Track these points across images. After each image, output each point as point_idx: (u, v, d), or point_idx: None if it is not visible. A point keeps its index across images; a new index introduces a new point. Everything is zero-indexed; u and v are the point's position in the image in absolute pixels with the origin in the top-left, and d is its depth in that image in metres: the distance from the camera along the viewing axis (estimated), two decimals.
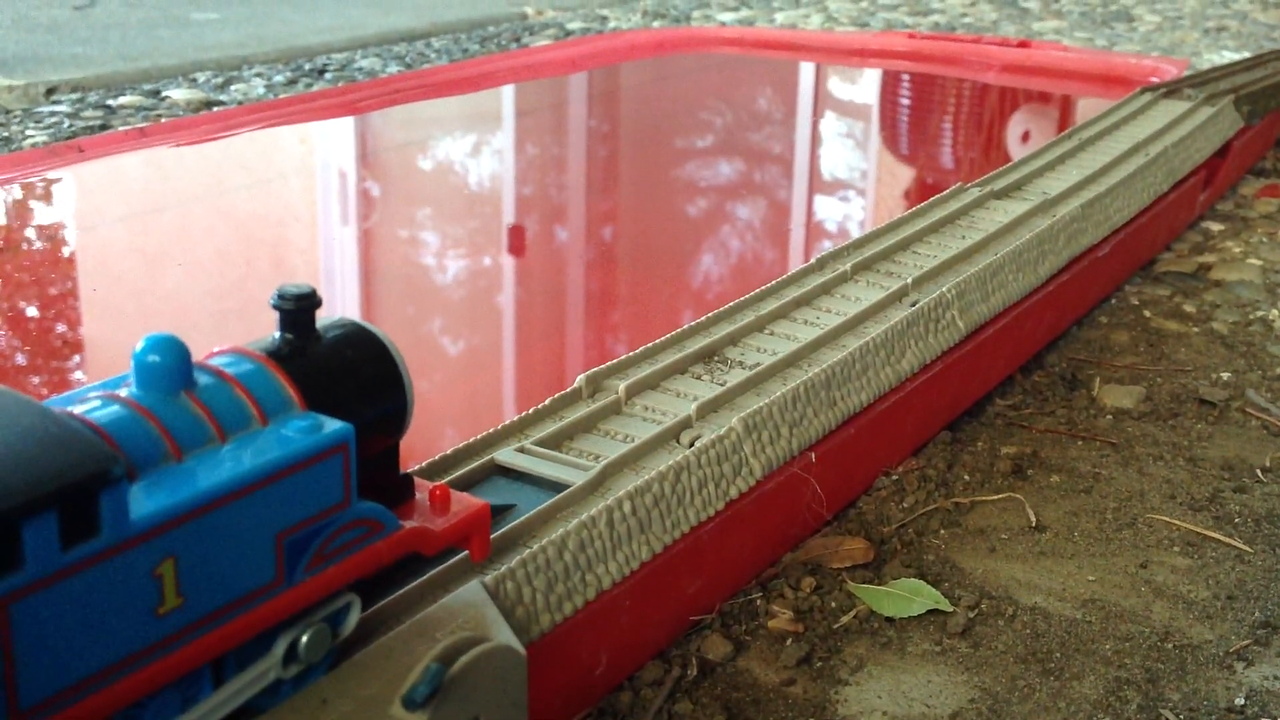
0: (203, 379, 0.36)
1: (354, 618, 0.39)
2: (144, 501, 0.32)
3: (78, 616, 0.31)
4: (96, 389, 0.36)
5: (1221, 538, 0.65)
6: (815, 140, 1.44)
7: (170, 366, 0.35)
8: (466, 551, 0.44)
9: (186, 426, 0.35)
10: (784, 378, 0.63)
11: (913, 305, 0.72)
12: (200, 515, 0.33)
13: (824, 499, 0.63)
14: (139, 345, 0.35)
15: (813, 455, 0.61)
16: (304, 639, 0.37)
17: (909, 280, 0.74)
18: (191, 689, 0.35)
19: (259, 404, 0.37)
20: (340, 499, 0.37)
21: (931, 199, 0.90)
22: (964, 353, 0.74)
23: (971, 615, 0.58)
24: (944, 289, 0.74)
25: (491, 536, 0.47)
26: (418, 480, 0.43)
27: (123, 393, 0.35)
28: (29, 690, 0.30)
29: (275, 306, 0.39)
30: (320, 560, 0.37)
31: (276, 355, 0.38)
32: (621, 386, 0.60)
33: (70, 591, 0.31)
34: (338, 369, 0.40)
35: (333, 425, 0.37)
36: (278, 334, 0.39)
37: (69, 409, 0.34)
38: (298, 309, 0.39)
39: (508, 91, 1.63)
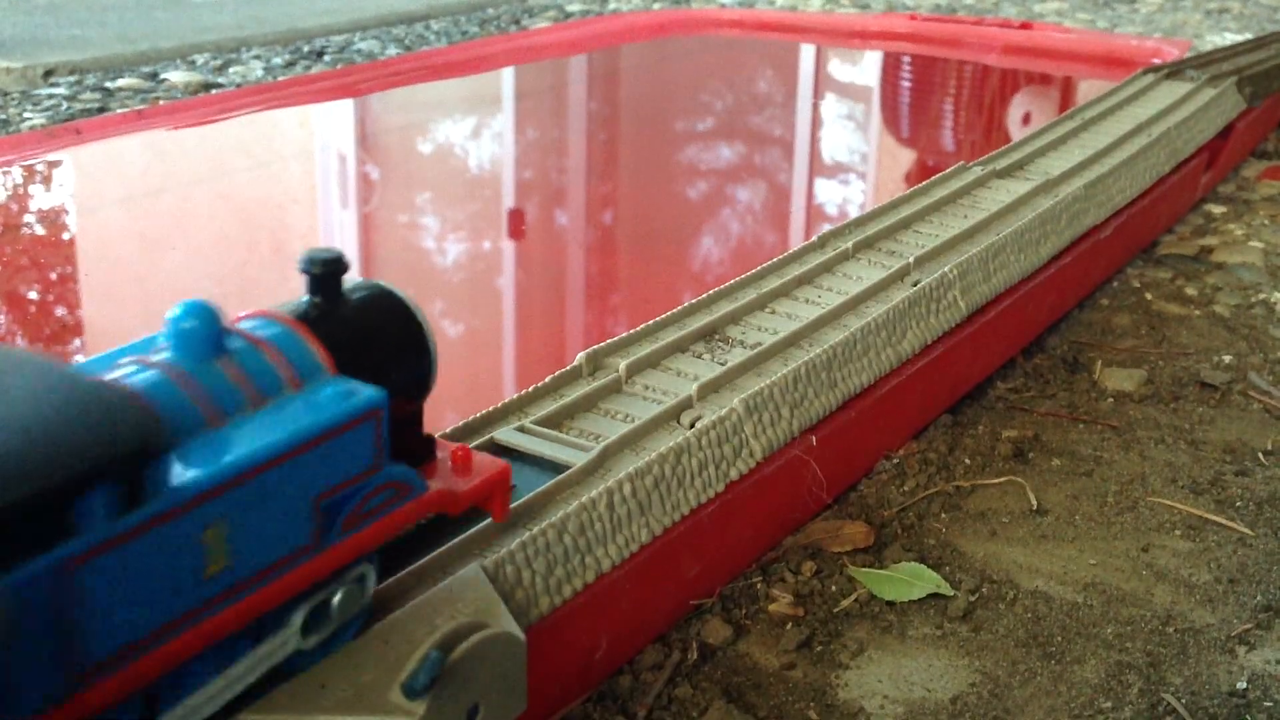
0: (235, 343, 0.36)
1: (371, 584, 0.40)
2: (188, 469, 0.33)
3: (131, 581, 0.32)
4: (129, 354, 0.36)
5: (1223, 521, 0.65)
6: (816, 123, 1.43)
7: (205, 332, 0.35)
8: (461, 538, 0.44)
9: (223, 392, 0.35)
10: (785, 358, 0.63)
11: (914, 285, 0.72)
12: (242, 482, 0.34)
13: (824, 482, 0.62)
14: (173, 310, 0.35)
15: (813, 438, 0.61)
16: (335, 599, 0.38)
17: (911, 259, 0.74)
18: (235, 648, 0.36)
19: (292, 368, 0.37)
20: (373, 463, 0.38)
21: (934, 178, 0.89)
22: (965, 335, 0.74)
23: (972, 599, 0.58)
24: (946, 269, 0.73)
25: (490, 520, 0.47)
26: (439, 441, 0.43)
27: (157, 358, 0.35)
28: (88, 650, 0.31)
29: (303, 271, 0.39)
30: (354, 522, 0.38)
31: (306, 319, 0.39)
32: (622, 365, 0.60)
33: (123, 557, 0.31)
34: (365, 333, 0.40)
35: (366, 391, 0.37)
36: (305, 298, 0.39)
37: (106, 375, 0.34)
38: (325, 273, 0.39)
39: (507, 74, 1.63)
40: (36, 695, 0.30)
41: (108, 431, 0.30)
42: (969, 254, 0.76)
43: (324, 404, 0.36)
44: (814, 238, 0.77)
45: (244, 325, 0.38)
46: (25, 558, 0.29)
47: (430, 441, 0.42)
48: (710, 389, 0.59)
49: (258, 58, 1.82)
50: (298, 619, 0.37)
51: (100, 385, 0.32)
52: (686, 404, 0.58)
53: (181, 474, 0.32)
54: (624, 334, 0.63)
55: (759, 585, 0.58)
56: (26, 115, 1.45)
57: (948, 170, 0.91)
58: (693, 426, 0.56)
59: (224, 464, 0.33)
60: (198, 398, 0.34)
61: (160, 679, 0.34)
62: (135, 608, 0.32)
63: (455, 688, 0.39)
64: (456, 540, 0.46)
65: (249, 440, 0.34)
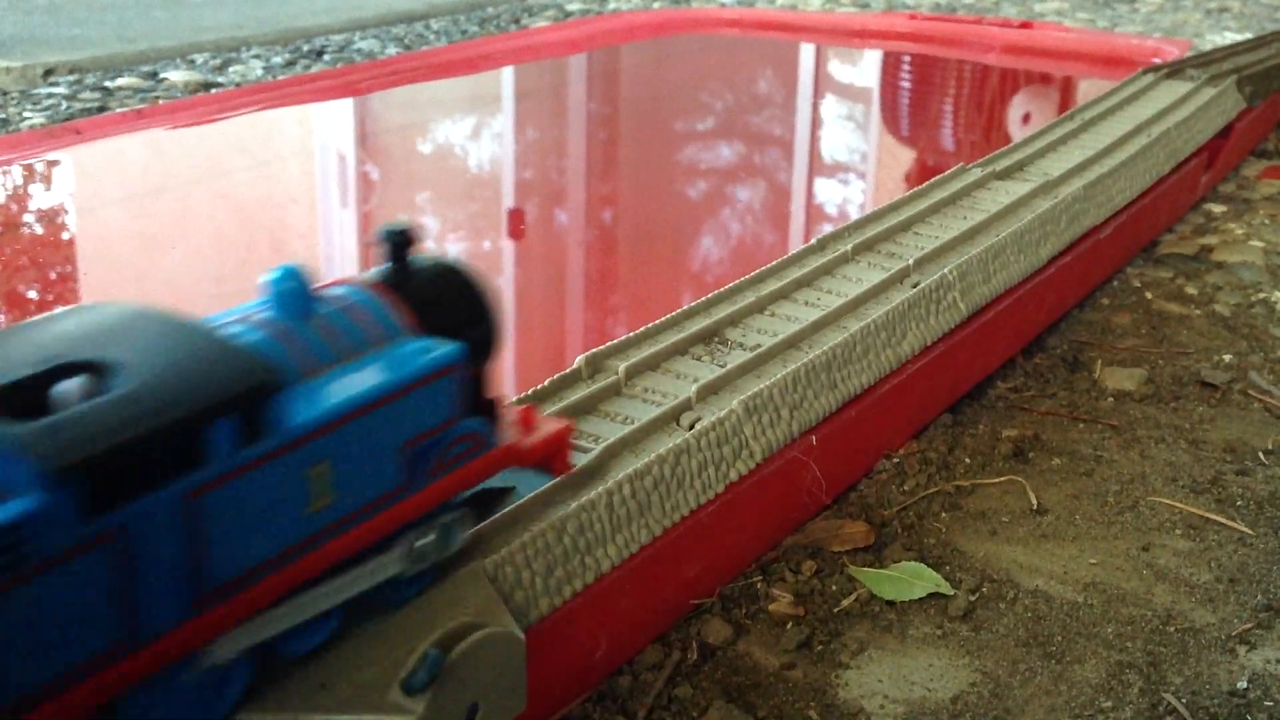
0: (326, 306, 0.40)
1: (463, 530, 0.43)
2: (294, 411, 0.36)
3: (248, 510, 0.35)
4: (234, 314, 0.39)
5: (1223, 520, 0.65)
6: (816, 122, 1.43)
7: (300, 293, 0.40)
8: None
9: (317, 346, 0.39)
10: (784, 359, 0.63)
11: (914, 286, 0.72)
12: (340, 426, 0.38)
13: (824, 483, 0.62)
14: (271, 274, 0.39)
15: (813, 438, 0.61)
16: (425, 540, 0.42)
17: (910, 261, 0.74)
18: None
19: (377, 327, 0.41)
20: (451, 415, 0.42)
21: (933, 179, 0.89)
22: (965, 335, 0.74)
23: (972, 598, 0.58)
24: (946, 270, 0.73)
25: (490, 520, 0.47)
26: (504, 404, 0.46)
27: (260, 316, 0.39)
28: (210, 573, 0.35)
29: (379, 243, 0.44)
30: (437, 470, 0.41)
31: (385, 285, 0.43)
32: (621, 368, 0.60)
33: (242, 488, 0.35)
34: (437, 298, 0.44)
35: (445, 347, 0.41)
36: (381, 267, 0.43)
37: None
38: (398, 245, 0.44)
39: (507, 73, 1.63)
40: (168, 612, 0.34)
41: (231, 372, 0.35)
42: (968, 255, 0.76)
43: (407, 358, 0.40)
44: (813, 240, 0.77)
45: (331, 291, 0.42)
46: (163, 482, 0.33)
47: (496, 403, 0.45)
48: (710, 391, 0.59)
49: (257, 57, 1.82)
50: (401, 548, 0.41)
51: (223, 335, 0.36)
52: (686, 406, 0.58)
53: (289, 415, 0.36)
54: (623, 337, 0.63)
55: (759, 585, 0.58)
56: (26, 114, 1.45)
57: (947, 172, 0.91)
58: (692, 428, 0.56)
59: (325, 408, 0.37)
60: (296, 350, 0.38)
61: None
62: (251, 535, 0.36)
63: (455, 686, 0.39)
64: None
65: (344, 389, 0.38)
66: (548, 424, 0.47)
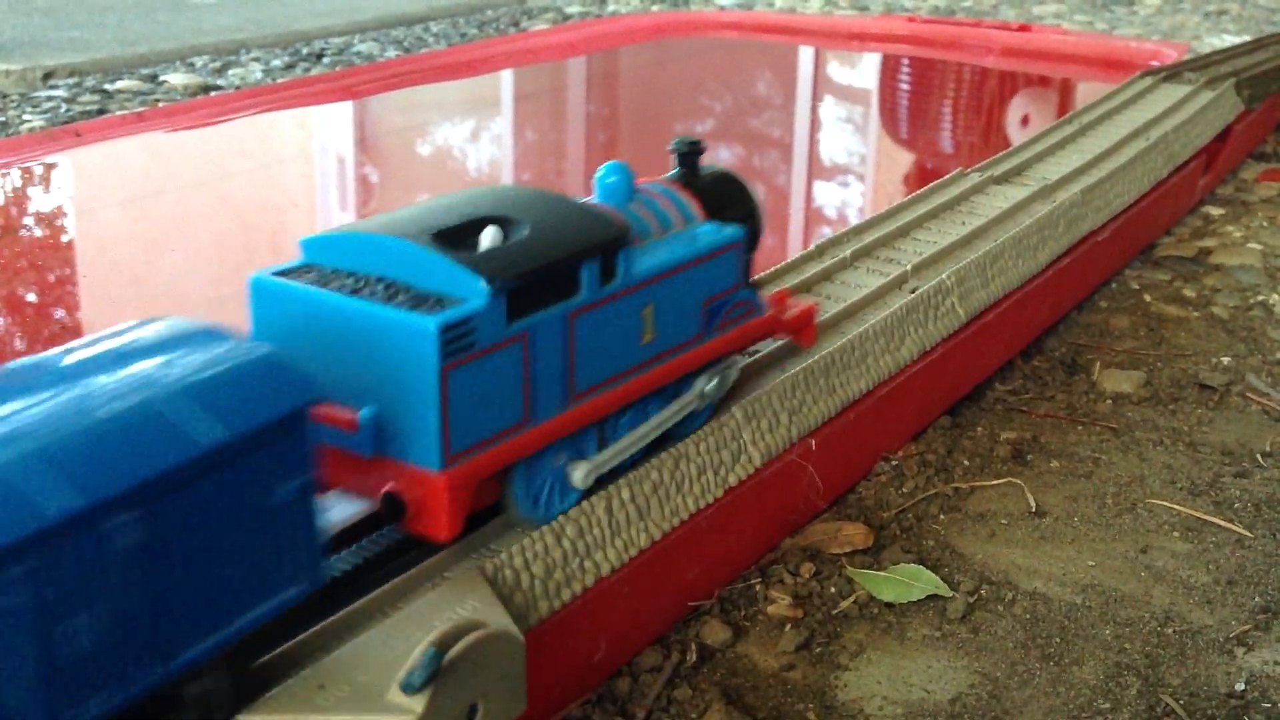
0: (642, 195, 0.53)
1: (735, 375, 0.56)
2: (634, 263, 0.48)
3: (603, 334, 0.47)
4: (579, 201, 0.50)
5: (1222, 522, 0.65)
6: (815, 125, 1.43)
7: (624, 183, 0.52)
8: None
9: (638, 224, 0.51)
10: (783, 364, 0.63)
11: (912, 292, 0.72)
12: (664, 279, 0.50)
13: (821, 487, 0.63)
14: (600, 171, 0.52)
15: (812, 442, 0.61)
16: (713, 382, 0.54)
17: (908, 267, 0.74)
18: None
19: (679, 212, 0.53)
20: (734, 284, 0.54)
21: (931, 184, 0.89)
22: (964, 338, 0.74)
23: (971, 600, 0.58)
24: (944, 276, 0.73)
25: (490, 524, 0.47)
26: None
27: (595, 202, 0.51)
28: (576, 380, 0.46)
29: (674, 150, 0.56)
30: (724, 325, 0.54)
31: (680, 183, 0.55)
32: None
33: (600, 316, 0.47)
34: (719, 195, 0.56)
35: (732, 228, 0.54)
36: (675, 170, 0.56)
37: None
38: (690, 152, 0.56)
39: (506, 76, 1.63)
40: (550, 404, 0.45)
41: (597, 226, 0.47)
42: (966, 261, 0.76)
43: (705, 235, 0.53)
44: (812, 246, 0.77)
45: (644, 186, 0.53)
46: (553, 303, 0.45)
47: (756, 285, 0.57)
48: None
49: (257, 60, 1.82)
50: (699, 384, 0.54)
51: (586, 203, 0.50)
52: None
53: (632, 264, 0.48)
54: None
55: (758, 587, 0.58)
56: (26, 117, 1.45)
57: (945, 177, 0.91)
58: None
59: (654, 263, 0.49)
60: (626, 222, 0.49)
61: (608, 417, 0.49)
62: (604, 354, 0.47)
63: (454, 686, 0.39)
64: (455, 544, 0.46)
65: (666, 251, 0.50)
66: (797, 303, 0.60)
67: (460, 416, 0.42)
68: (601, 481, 0.50)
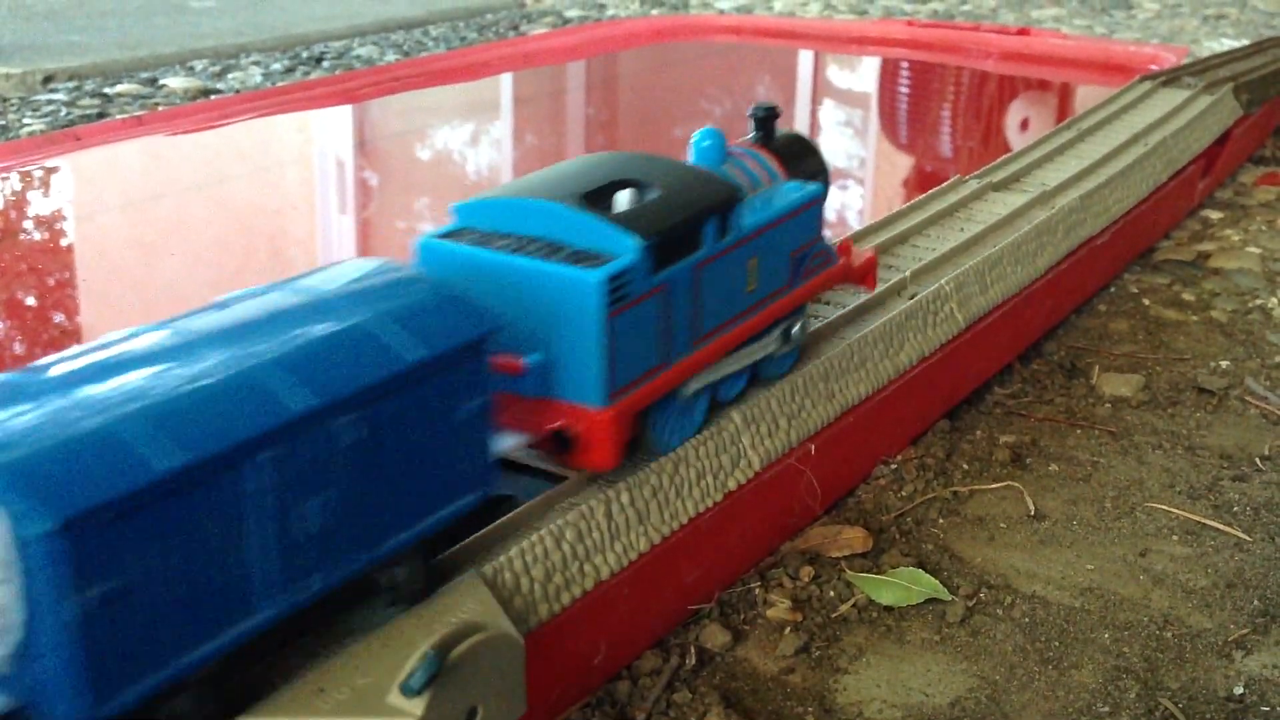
0: (733, 158, 0.59)
1: (802, 329, 0.61)
2: (741, 219, 0.54)
3: (719, 284, 0.53)
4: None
5: (1220, 526, 0.65)
6: (814, 129, 1.44)
7: (718, 148, 0.58)
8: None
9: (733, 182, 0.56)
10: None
11: (911, 298, 0.72)
12: (764, 232, 0.56)
13: (819, 493, 0.63)
14: (695, 136, 0.58)
15: (811, 447, 0.61)
16: (797, 326, 0.60)
17: (907, 273, 0.74)
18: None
19: (765, 173, 0.60)
20: (816, 235, 0.60)
21: (930, 191, 0.89)
22: (963, 341, 0.74)
23: (970, 604, 0.58)
24: (942, 282, 0.74)
25: (489, 528, 0.47)
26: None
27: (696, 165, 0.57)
28: (698, 325, 0.53)
29: (752, 115, 0.62)
30: (807, 274, 0.60)
31: (761, 144, 0.62)
32: None
33: (718, 267, 0.53)
34: (795, 155, 0.62)
35: (814, 185, 0.60)
36: (753, 134, 0.62)
37: None
38: (767, 116, 0.62)
39: (506, 80, 1.63)
40: (681, 347, 0.52)
41: (716, 187, 0.53)
42: (965, 267, 0.76)
43: (792, 192, 0.58)
44: None
45: (733, 148, 0.59)
46: (685, 256, 0.51)
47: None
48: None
49: (256, 63, 1.82)
50: (778, 330, 0.59)
51: (702, 167, 0.56)
52: None
53: (740, 220, 0.54)
54: None
55: (757, 590, 0.58)
56: (26, 121, 1.45)
57: (944, 184, 0.91)
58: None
59: (757, 218, 0.55)
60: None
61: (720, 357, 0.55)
62: (719, 302, 0.54)
63: (453, 688, 0.39)
64: (455, 548, 0.46)
65: (764, 207, 0.56)
66: (861, 252, 0.66)
67: (618, 359, 0.48)
68: (600, 486, 0.51)
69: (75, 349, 0.36)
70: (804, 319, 0.61)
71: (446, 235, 0.50)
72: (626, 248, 0.48)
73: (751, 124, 0.62)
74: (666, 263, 0.50)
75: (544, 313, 0.48)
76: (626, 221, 0.49)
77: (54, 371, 0.35)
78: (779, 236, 0.57)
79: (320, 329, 0.38)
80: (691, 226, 0.51)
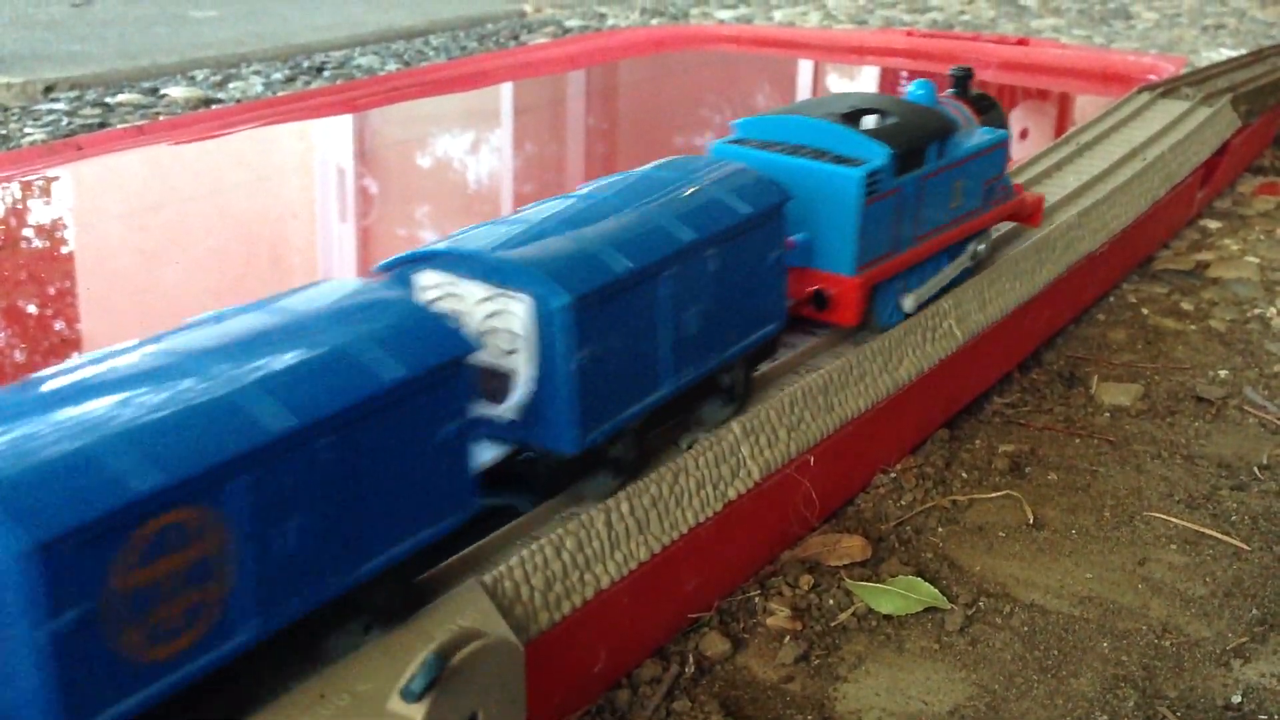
0: (941, 104, 0.72)
1: (986, 246, 0.75)
2: (953, 147, 0.68)
3: (933, 197, 0.67)
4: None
5: (1219, 535, 0.65)
6: None
7: (930, 95, 0.71)
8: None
9: None
10: (782, 382, 0.63)
11: (906, 315, 0.72)
12: (969, 160, 0.69)
13: (817, 504, 0.63)
14: (909, 86, 0.71)
15: (811, 458, 0.61)
16: (982, 245, 0.75)
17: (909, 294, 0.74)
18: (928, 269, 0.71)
19: (966, 118, 0.73)
20: (1002, 170, 0.74)
21: None
22: (962, 351, 0.74)
23: (969, 613, 0.58)
24: (941, 298, 0.74)
25: (490, 537, 0.47)
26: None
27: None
28: (916, 225, 0.67)
29: (952, 74, 0.75)
30: (993, 202, 0.74)
31: (961, 98, 0.75)
32: None
33: (934, 183, 0.67)
34: (984, 107, 0.76)
35: (1001, 131, 0.74)
36: (952, 89, 0.75)
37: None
38: (964, 76, 0.75)
39: (506, 89, 1.63)
40: (904, 241, 0.66)
41: (939, 117, 0.68)
42: (964, 283, 0.76)
43: (987, 132, 0.72)
44: None
45: (941, 96, 0.72)
46: (914, 169, 0.65)
47: None
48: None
49: (257, 73, 1.83)
50: (971, 247, 0.74)
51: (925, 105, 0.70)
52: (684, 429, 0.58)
53: (956, 149, 0.68)
54: None
55: (757, 599, 0.58)
56: (27, 131, 1.45)
57: None
58: (689, 447, 0.56)
59: (966, 148, 0.70)
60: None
61: (927, 260, 0.69)
62: (932, 211, 0.67)
63: (454, 694, 0.39)
64: (455, 557, 0.46)
65: (967, 142, 0.70)
66: (1032, 195, 0.80)
67: (865, 239, 0.62)
68: (604, 488, 0.51)
69: (53, 368, 0.36)
70: (988, 240, 0.75)
71: (733, 142, 0.65)
72: (878, 154, 0.62)
73: (951, 80, 0.76)
74: (903, 171, 0.64)
75: (813, 202, 0.62)
76: (879, 134, 0.63)
77: (30, 391, 0.34)
78: (978, 166, 0.70)
79: (298, 349, 0.38)
80: (922, 145, 0.65)
